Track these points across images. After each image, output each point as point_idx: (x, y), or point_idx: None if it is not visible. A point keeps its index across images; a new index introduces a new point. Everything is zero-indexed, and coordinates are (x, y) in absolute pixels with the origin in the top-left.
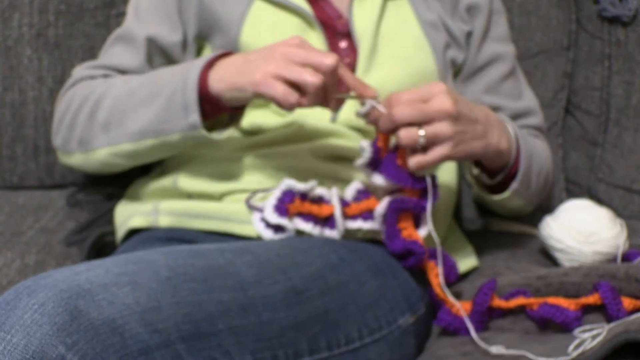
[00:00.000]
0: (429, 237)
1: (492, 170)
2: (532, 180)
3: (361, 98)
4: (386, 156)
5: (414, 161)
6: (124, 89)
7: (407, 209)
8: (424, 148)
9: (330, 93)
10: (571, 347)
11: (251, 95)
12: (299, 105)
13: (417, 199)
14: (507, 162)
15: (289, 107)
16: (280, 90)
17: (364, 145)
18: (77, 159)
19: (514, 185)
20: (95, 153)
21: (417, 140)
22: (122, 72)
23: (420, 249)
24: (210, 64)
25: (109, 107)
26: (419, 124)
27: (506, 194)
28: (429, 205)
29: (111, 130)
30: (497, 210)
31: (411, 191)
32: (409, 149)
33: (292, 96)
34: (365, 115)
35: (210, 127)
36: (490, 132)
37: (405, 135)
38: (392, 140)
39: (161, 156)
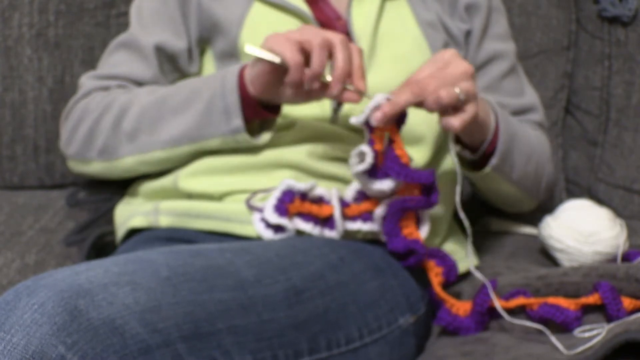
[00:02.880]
0: (430, 234)
1: (473, 145)
2: (515, 161)
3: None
4: (385, 156)
5: (456, 122)
6: (151, 98)
7: (408, 209)
8: (455, 108)
9: (337, 73)
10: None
11: (262, 67)
12: (307, 71)
13: (418, 197)
14: (486, 136)
15: (295, 69)
16: (284, 46)
17: (365, 149)
18: (95, 168)
19: (493, 160)
20: (120, 162)
21: (458, 97)
22: (136, 82)
23: (422, 248)
24: (244, 68)
25: (136, 115)
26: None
27: (487, 169)
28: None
29: (139, 139)
30: (492, 199)
31: (411, 189)
32: (442, 113)
33: (290, 45)
34: (367, 122)
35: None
36: (479, 102)
37: (446, 94)
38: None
39: (187, 160)
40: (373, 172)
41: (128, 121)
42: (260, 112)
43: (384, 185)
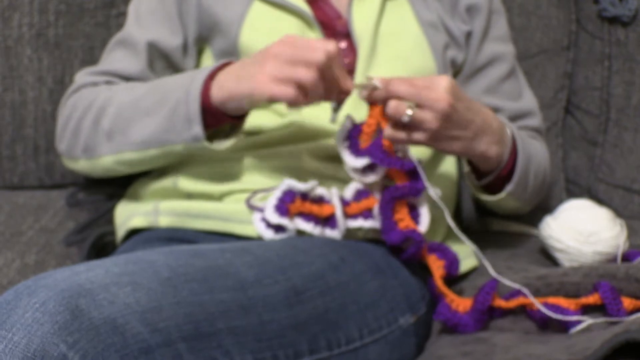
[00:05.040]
0: (429, 234)
1: (480, 171)
2: (529, 183)
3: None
4: (373, 142)
5: (390, 131)
6: (128, 97)
7: (400, 197)
8: (404, 126)
9: (330, 84)
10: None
11: (252, 102)
12: (302, 101)
13: (409, 184)
14: (495, 168)
15: (292, 105)
16: (277, 89)
17: (346, 119)
18: (82, 165)
19: (509, 187)
20: (99, 160)
21: (402, 115)
22: (124, 77)
23: (419, 237)
24: (212, 75)
25: (113, 115)
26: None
27: (501, 195)
28: (425, 181)
29: (115, 139)
30: (493, 209)
31: (398, 177)
32: (390, 121)
33: (290, 92)
34: (363, 95)
35: (212, 136)
36: (479, 138)
37: (394, 105)
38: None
39: (164, 163)
40: (355, 149)
41: (106, 120)
42: (223, 119)
43: (358, 162)
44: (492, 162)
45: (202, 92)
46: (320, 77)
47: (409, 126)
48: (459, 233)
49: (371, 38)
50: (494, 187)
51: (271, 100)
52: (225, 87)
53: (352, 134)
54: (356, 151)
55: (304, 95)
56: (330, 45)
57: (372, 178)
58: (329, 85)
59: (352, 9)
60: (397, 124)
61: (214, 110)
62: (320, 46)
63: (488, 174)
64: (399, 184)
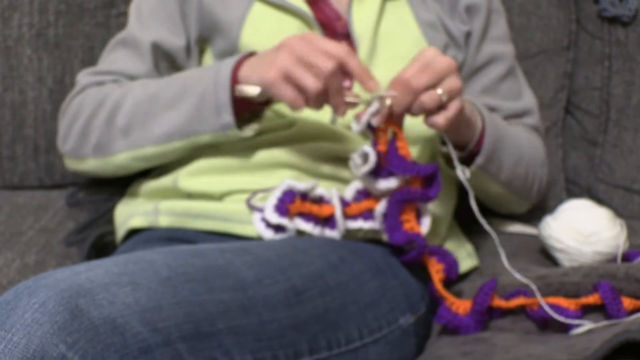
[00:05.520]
0: (428, 234)
1: (460, 144)
2: (503, 162)
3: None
4: (387, 154)
5: (440, 119)
6: (143, 93)
7: (411, 200)
8: (440, 107)
9: (333, 94)
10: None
11: (264, 96)
12: (301, 104)
13: (422, 190)
14: (473, 134)
15: (292, 107)
16: (289, 94)
17: (368, 150)
18: (90, 164)
19: (479, 159)
20: (113, 158)
21: (440, 98)
22: (130, 77)
23: (422, 241)
24: (238, 65)
25: (129, 111)
26: (433, 86)
27: (472, 168)
28: (439, 190)
29: (132, 135)
30: (483, 200)
31: (413, 183)
32: (428, 114)
33: (299, 100)
34: (369, 125)
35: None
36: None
37: (428, 98)
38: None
39: (181, 156)
40: (377, 172)
41: (121, 117)
42: (250, 105)
43: (390, 183)
44: (472, 125)
45: (232, 80)
46: (325, 86)
47: (443, 105)
48: (480, 219)
49: (371, 39)
50: (468, 164)
51: (279, 99)
52: (244, 76)
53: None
54: (378, 172)
55: (305, 99)
56: (348, 55)
57: (392, 185)
58: (334, 93)
59: (351, 10)
60: (433, 111)
61: (241, 99)
62: (335, 53)
63: (464, 148)
64: (412, 189)
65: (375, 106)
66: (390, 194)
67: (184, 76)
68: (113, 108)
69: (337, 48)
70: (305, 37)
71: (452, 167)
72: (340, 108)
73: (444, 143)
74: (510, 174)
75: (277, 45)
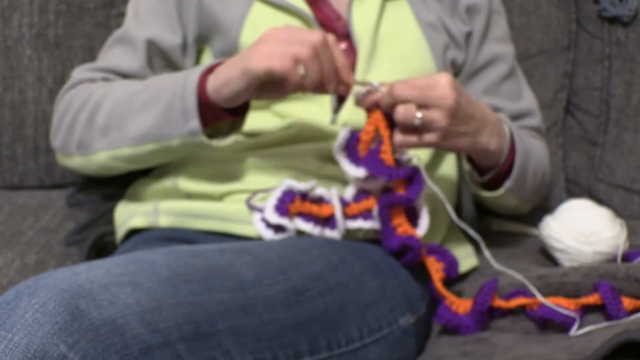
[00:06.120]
0: (428, 234)
1: (481, 168)
2: (527, 180)
3: (366, 83)
4: (369, 152)
5: (400, 137)
6: (123, 93)
7: (397, 204)
8: (414, 130)
9: (329, 70)
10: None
11: (248, 83)
12: (298, 78)
13: (399, 193)
14: (496, 162)
15: (292, 85)
16: (273, 61)
17: (343, 129)
18: (76, 162)
19: (508, 183)
20: (94, 156)
21: (413, 119)
22: (122, 74)
23: (417, 243)
24: (210, 70)
25: (109, 110)
26: (417, 105)
27: (500, 192)
28: (420, 191)
29: (110, 134)
30: (493, 209)
31: (398, 185)
32: (399, 128)
33: (287, 63)
34: (362, 100)
35: (212, 134)
36: (481, 132)
37: (403, 111)
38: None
39: (162, 161)
40: (354, 158)
41: (101, 116)
42: (221, 115)
43: (358, 173)
44: (493, 155)
45: (199, 85)
46: (316, 56)
47: (418, 129)
48: (462, 224)
49: (371, 39)
50: (494, 184)
51: (268, 74)
52: (221, 74)
53: (351, 143)
54: (355, 160)
55: (302, 74)
56: (328, 35)
57: (373, 184)
58: (328, 71)
59: (352, 10)
60: (406, 128)
61: (210, 104)
62: (316, 32)
63: (488, 170)
64: (395, 192)
65: (367, 87)
66: (362, 184)
67: (161, 78)
68: (95, 106)
69: (320, 31)
70: (281, 27)
71: (477, 186)
72: (332, 83)
73: (469, 160)
74: (529, 187)
75: (255, 42)
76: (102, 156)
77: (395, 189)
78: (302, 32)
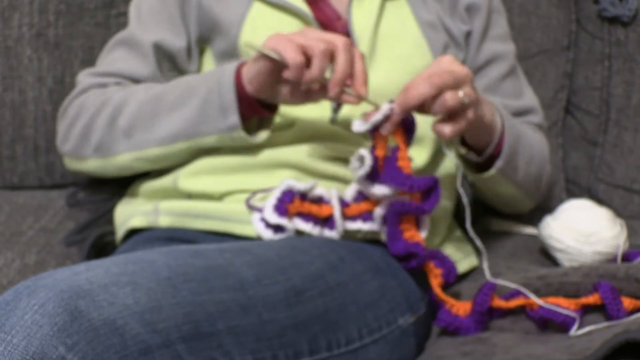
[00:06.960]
0: (428, 235)
1: (479, 147)
2: (519, 163)
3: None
4: (385, 161)
5: (451, 128)
6: (147, 95)
7: (408, 212)
8: (449, 117)
9: (338, 75)
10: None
11: (260, 63)
12: (302, 64)
13: (418, 202)
14: (492, 138)
15: (295, 68)
16: (281, 44)
17: (364, 154)
18: (91, 164)
19: (499, 163)
20: (115, 158)
21: (462, 100)
22: (134, 79)
23: (423, 251)
24: (242, 64)
25: (133, 112)
26: (453, 87)
27: (492, 172)
28: (436, 204)
29: (135, 136)
30: (492, 202)
31: (413, 194)
32: (441, 118)
33: (292, 47)
34: (384, 127)
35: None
36: (481, 104)
37: (451, 96)
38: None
39: (185, 159)
40: (374, 176)
41: (124, 118)
42: (257, 109)
43: (383, 190)
44: (492, 131)
45: (235, 80)
46: (326, 55)
47: (453, 115)
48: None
49: (371, 39)
50: (486, 168)
51: (272, 53)
52: (249, 67)
53: (374, 165)
54: (375, 177)
55: (307, 64)
56: (355, 47)
57: (387, 192)
58: (341, 72)
59: (351, 10)
60: (445, 116)
61: (247, 99)
62: (342, 37)
63: (483, 151)
64: (408, 201)
65: (386, 109)
66: (386, 198)
67: (187, 79)
68: (115, 109)
69: (346, 39)
70: (311, 29)
71: (471, 169)
72: (337, 87)
73: (462, 144)
74: (524, 174)
75: None
76: (125, 157)
77: (411, 196)
78: (325, 33)
